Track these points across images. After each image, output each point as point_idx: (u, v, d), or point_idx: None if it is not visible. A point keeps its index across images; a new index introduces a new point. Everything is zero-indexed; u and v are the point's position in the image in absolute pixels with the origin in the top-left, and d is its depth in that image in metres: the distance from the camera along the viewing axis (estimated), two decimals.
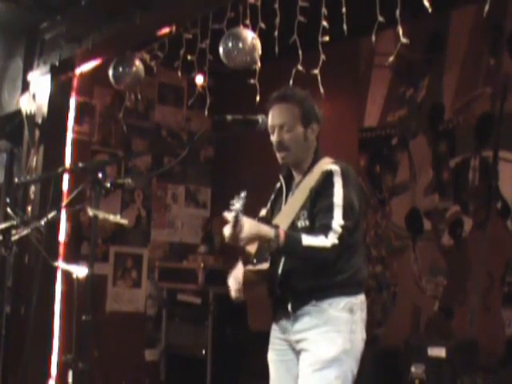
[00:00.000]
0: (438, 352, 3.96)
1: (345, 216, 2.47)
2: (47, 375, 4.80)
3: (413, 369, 4.01)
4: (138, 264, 5.77)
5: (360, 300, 2.59)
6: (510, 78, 4.32)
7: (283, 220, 2.62)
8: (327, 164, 2.61)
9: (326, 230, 2.45)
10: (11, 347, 4.53)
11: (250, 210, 2.55)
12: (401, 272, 4.86)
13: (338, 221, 2.45)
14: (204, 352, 5.09)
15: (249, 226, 2.40)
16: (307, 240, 2.43)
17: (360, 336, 2.56)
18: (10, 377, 4.63)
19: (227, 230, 2.40)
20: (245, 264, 2.67)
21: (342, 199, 2.49)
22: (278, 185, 2.84)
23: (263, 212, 2.86)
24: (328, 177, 2.55)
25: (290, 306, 2.59)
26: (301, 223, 2.58)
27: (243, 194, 2.34)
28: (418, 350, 4.05)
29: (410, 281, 4.77)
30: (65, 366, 4.69)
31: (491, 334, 4.22)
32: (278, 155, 2.67)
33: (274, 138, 2.65)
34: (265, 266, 2.62)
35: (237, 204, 2.33)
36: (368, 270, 4.86)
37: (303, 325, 2.56)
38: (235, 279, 2.67)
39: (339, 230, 2.44)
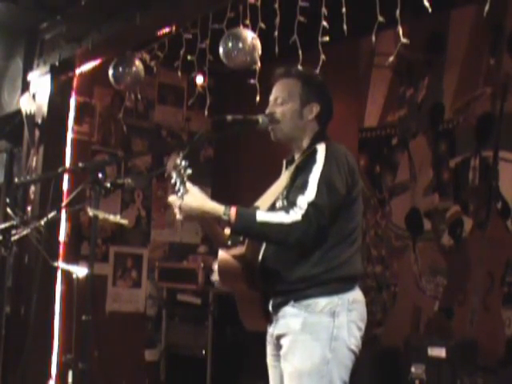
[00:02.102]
0: (438, 352, 3.96)
1: (319, 194, 2.21)
2: (47, 375, 4.80)
3: (413, 369, 4.01)
4: (137, 264, 5.76)
5: (347, 300, 2.28)
6: (510, 78, 4.32)
7: (266, 200, 2.44)
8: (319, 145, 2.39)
9: (289, 206, 2.23)
10: (11, 347, 4.52)
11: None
12: (401, 272, 4.86)
13: (307, 197, 2.21)
14: (204, 352, 5.09)
15: (193, 196, 2.18)
16: (262, 216, 2.19)
17: (347, 341, 2.26)
18: (9, 377, 4.62)
19: (171, 197, 2.21)
20: (218, 247, 2.39)
21: (318, 176, 2.25)
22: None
23: None
24: (311, 154, 2.35)
25: (270, 306, 2.36)
26: (279, 203, 2.40)
27: (180, 154, 2.12)
28: (417, 349, 4.05)
29: (410, 281, 4.77)
30: (65, 366, 4.69)
31: (491, 334, 4.21)
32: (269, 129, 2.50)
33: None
34: (239, 249, 2.34)
35: (177, 161, 2.07)
36: (368, 270, 4.92)
37: (281, 329, 2.33)
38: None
39: (305, 206, 2.18)
